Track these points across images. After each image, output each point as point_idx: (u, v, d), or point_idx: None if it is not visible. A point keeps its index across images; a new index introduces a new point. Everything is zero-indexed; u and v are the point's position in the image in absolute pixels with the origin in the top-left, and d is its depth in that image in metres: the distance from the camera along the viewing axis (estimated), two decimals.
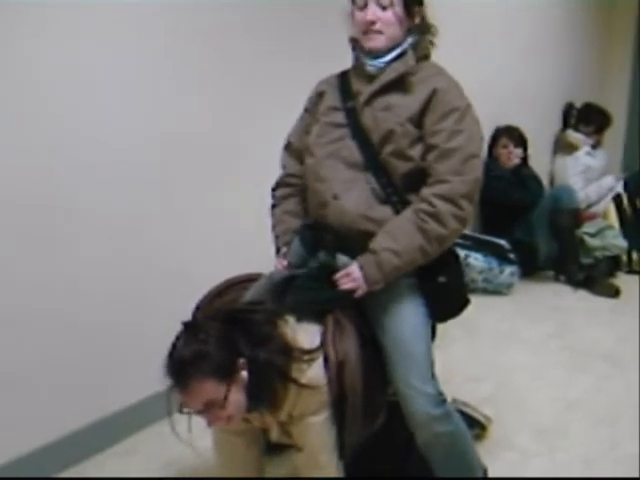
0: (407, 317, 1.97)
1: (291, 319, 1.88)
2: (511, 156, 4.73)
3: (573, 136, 5.48)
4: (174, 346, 1.70)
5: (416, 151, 1.97)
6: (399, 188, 1.98)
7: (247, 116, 3.05)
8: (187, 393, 1.68)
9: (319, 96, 2.19)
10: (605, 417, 2.82)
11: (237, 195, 3.04)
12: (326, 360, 1.84)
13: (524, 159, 4.82)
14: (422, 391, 1.92)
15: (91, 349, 2.57)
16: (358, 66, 2.11)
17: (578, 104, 5.74)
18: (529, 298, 4.37)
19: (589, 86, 6.31)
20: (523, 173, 4.76)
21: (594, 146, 5.48)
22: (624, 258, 4.89)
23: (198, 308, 2.08)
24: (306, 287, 1.95)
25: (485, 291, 4.36)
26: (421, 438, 1.98)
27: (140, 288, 2.71)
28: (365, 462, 2.07)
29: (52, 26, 2.30)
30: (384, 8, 1.98)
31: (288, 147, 2.27)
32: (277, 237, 2.20)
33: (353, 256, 1.96)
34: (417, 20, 2.05)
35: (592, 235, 4.64)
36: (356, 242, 1.96)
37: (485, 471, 2.17)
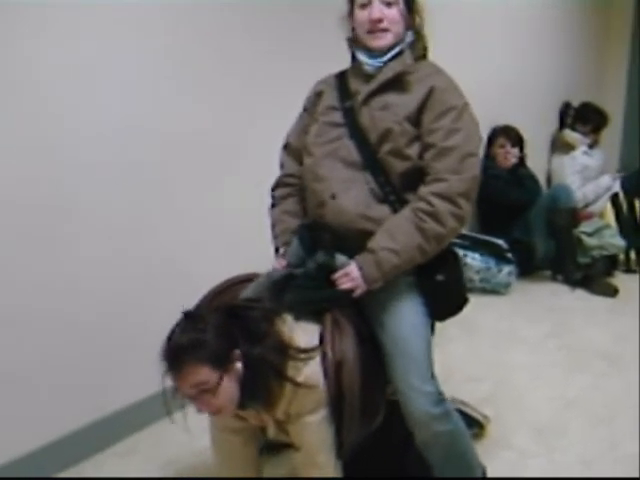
0: (406, 315, 1.98)
1: (289, 318, 1.88)
2: (508, 156, 4.73)
3: (570, 135, 5.49)
4: (172, 332, 1.72)
5: (414, 150, 1.98)
6: (397, 187, 1.99)
7: (247, 116, 3.05)
8: (180, 377, 1.69)
9: (317, 96, 2.19)
10: (603, 416, 2.83)
11: (237, 195, 3.05)
12: (324, 359, 1.84)
13: (521, 159, 4.82)
14: (421, 390, 1.93)
15: (91, 349, 2.57)
16: (356, 66, 2.11)
17: (575, 103, 5.74)
18: (527, 298, 4.37)
19: (586, 85, 6.32)
20: (520, 173, 4.77)
21: (591, 145, 5.48)
22: (622, 257, 4.91)
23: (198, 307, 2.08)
24: (305, 286, 1.95)
25: (483, 291, 4.36)
26: (420, 437, 1.99)
27: (140, 288, 2.71)
28: (363, 461, 2.07)
29: (52, 26, 2.30)
30: (389, 5, 1.98)
31: (287, 147, 2.27)
32: (276, 237, 2.20)
33: (351, 255, 1.96)
34: (417, 19, 2.06)
35: (589, 234, 4.64)
36: (354, 241, 1.96)
37: (484, 471, 2.18)
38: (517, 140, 4.76)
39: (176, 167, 2.79)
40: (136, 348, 2.64)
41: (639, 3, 6.46)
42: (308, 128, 2.16)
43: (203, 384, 1.68)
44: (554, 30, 5.73)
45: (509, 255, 4.41)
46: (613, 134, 6.23)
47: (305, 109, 2.25)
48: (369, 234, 1.94)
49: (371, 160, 1.99)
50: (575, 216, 4.60)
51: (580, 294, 4.42)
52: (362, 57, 2.05)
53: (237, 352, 1.73)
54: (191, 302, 2.06)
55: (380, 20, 1.98)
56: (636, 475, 2.30)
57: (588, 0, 6.11)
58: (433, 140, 1.93)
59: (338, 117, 2.07)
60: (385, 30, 1.99)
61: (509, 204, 4.61)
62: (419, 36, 2.08)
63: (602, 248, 4.63)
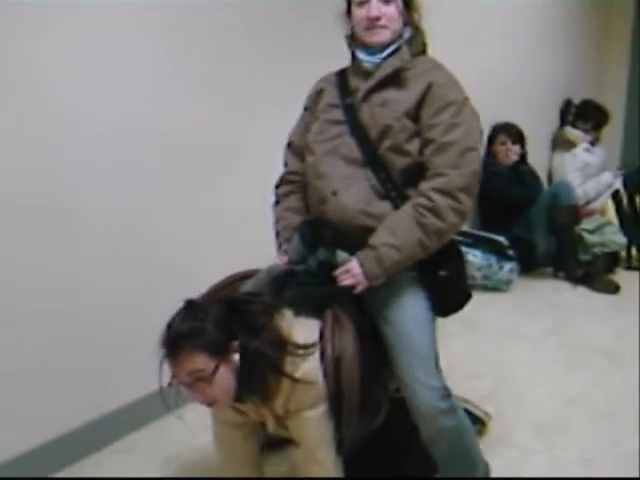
0: (410, 310, 1.99)
1: (288, 313, 1.89)
2: (509, 153, 4.73)
3: (571, 133, 5.48)
4: (172, 320, 1.74)
5: (414, 146, 1.98)
6: (398, 183, 1.99)
7: (247, 116, 3.05)
8: (177, 364, 1.70)
9: (318, 94, 2.20)
10: (604, 413, 2.83)
11: (237, 195, 3.05)
12: (323, 355, 1.85)
13: (522, 156, 4.82)
14: (427, 384, 1.94)
15: (90, 348, 2.58)
16: (355, 63, 2.12)
17: (576, 101, 5.74)
18: (528, 295, 4.38)
19: (587, 83, 6.31)
20: (521, 170, 4.77)
21: (592, 143, 5.48)
22: (623, 254, 4.91)
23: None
24: (305, 283, 1.95)
25: (484, 288, 4.36)
26: (426, 432, 2.00)
27: (140, 288, 2.72)
28: (366, 458, 2.08)
29: (52, 26, 2.30)
30: (387, 2, 1.98)
31: (290, 145, 2.28)
32: (278, 234, 2.21)
33: (352, 252, 1.96)
34: (414, 15, 2.06)
35: (591, 231, 4.65)
36: (356, 238, 1.97)
37: (488, 468, 2.18)
38: (518, 137, 4.76)
39: (176, 167, 2.79)
40: (136, 347, 2.64)
41: (639, 1, 6.45)
42: (309, 126, 2.17)
43: (199, 372, 1.69)
44: (555, 28, 5.72)
45: (510, 252, 4.41)
46: (614, 131, 6.22)
47: (306, 107, 2.26)
48: (370, 230, 1.95)
49: (372, 157, 2.00)
50: (576, 213, 4.60)
51: (581, 291, 4.43)
52: (361, 54, 2.06)
53: (235, 344, 1.75)
54: None
55: (378, 18, 1.98)
56: (636, 475, 2.30)
57: None
58: (432, 135, 1.93)
59: (339, 114, 2.08)
60: (383, 27, 1.99)
61: (510, 201, 4.61)
62: (417, 32, 2.08)
63: (603, 245, 4.63)
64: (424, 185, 1.93)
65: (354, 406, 1.85)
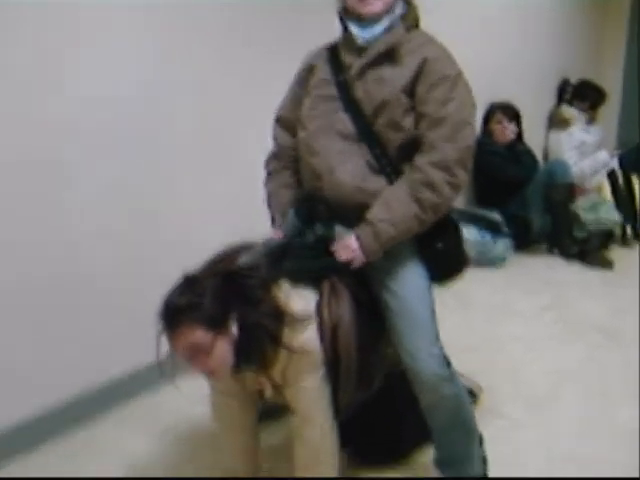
0: (410, 279, 2.01)
1: (285, 284, 1.90)
2: (505, 131, 4.74)
3: (568, 112, 5.49)
4: (170, 293, 1.75)
5: (409, 121, 1.98)
6: (393, 159, 2.00)
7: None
8: (175, 337, 1.72)
9: (310, 69, 2.17)
10: (598, 388, 2.86)
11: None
12: (321, 324, 1.88)
13: (518, 134, 4.84)
14: (429, 351, 1.98)
15: (87, 319, 2.60)
16: (347, 38, 2.09)
17: (573, 80, 5.75)
18: (523, 271, 4.40)
19: (584, 62, 6.31)
20: (517, 148, 4.79)
21: (589, 122, 5.49)
22: (618, 232, 4.94)
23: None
24: (303, 256, 1.97)
25: (479, 264, 4.34)
26: (426, 401, 2.03)
27: (137, 258, 2.74)
28: (361, 423, 2.12)
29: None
30: None
31: (279, 120, 2.26)
32: (273, 210, 2.21)
33: (348, 226, 1.98)
34: None
35: (586, 209, 4.67)
36: (351, 213, 1.98)
37: (482, 437, 2.21)
38: (514, 116, 4.78)
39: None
40: (133, 318, 2.64)
41: None
42: (301, 101, 2.16)
43: (198, 345, 1.71)
44: (552, 7, 5.71)
45: (505, 229, 4.44)
46: (611, 111, 6.23)
47: (296, 82, 2.24)
48: (366, 206, 1.95)
49: (367, 132, 2.00)
50: (572, 191, 4.62)
51: (576, 267, 4.46)
52: (353, 28, 2.03)
53: (232, 316, 1.76)
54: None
55: None
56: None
57: None
58: (427, 110, 1.94)
59: (332, 90, 2.06)
60: None
61: (506, 180, 4.63)
62: (410, 7, 2.07)
63: (599, 223, 4.65)
64: (419, 159, 1.94)
65: (351, 372, 1.88)
